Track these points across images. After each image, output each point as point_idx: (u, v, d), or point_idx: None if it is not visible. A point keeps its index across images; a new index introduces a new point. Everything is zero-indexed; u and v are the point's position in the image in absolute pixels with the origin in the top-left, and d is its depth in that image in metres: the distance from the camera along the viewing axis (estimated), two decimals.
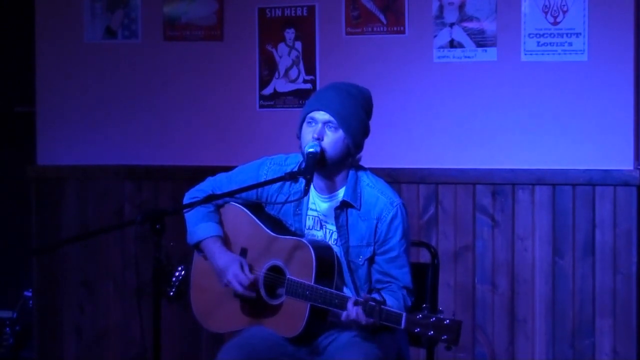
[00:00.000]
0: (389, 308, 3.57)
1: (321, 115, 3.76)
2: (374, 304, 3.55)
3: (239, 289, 3.83)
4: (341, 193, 3.84)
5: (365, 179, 3.86)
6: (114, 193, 5.68)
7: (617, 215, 5.06)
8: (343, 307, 3.64)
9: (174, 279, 5.41)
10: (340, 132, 3.76)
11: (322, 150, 3.74)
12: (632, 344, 5.05)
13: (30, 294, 5.95)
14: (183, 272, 5.40)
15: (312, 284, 3.71)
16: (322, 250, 3.80)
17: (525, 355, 5.17)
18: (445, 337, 3.45)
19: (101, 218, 5.68)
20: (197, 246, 4.00)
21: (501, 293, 5.20)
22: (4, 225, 6.41)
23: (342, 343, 3.75)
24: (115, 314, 5.70)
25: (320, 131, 3.75)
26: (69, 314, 5.76)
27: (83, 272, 5.73)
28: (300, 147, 3.82)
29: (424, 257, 4.33)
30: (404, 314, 3.52)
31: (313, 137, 3.74)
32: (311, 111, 3.79)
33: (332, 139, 3.76)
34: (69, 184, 5.75)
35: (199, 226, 3.96)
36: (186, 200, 4.00)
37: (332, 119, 3.75)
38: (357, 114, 3.80)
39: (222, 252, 3.92)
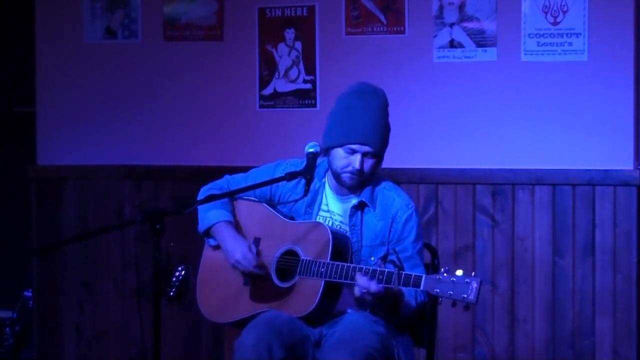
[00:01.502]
0: (408, 272, 3.65)
1: (363, 148, 3.88)
2: (393, 269, 3.63)
3: (248, 267, 3.89)
4: (359, 194, 3.94)
5: (383, 182, 3.99)
6: (114, 193, 5.68)
7: (617, 215, 5.06)
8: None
9: (174, 279, 5.43)
10: (376, 159, 3.91)
11: (363, 175, 3.89)
12: (632, 344, 5.05)
13: (30, 294, 5.95)
14: (183, 272, 5.42)
15: (328, 260, 3.77)
16: (338, 232, 3.89)
17: (525, 355, 5.16)
18: (465, 295, 3.50)
19: (101, 218, 5.68)
20: (208, 232, 4.04)
21: (501, 293, 5.20)
22: (4, 225, 6.41)
23: (333, 341, 3.77)
24: (115, 314, 5.70)
25: (360, 162, 3.87)
26: (69, 314, 5.76)
27: (83, 272, 5.73)
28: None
29: (424, 257, 4.33)
30: (424, 275, 3.60)
31: (355, 168, 3.87)
32: (354, 143, 3.87)
33: (369, 166, 3.91)
34: (69, 184, 5.75)
35: (211, 212, 4.03)
36: (201, 194, 4.08)
37: (371, 151, 3.88)
38: (387, 133, 3.95)
39: (232, 236, 3.99)
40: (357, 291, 3.70)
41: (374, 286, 3.64)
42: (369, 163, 3.89)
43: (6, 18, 6.39)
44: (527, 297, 5.16)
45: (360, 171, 3.87)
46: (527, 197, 5.16)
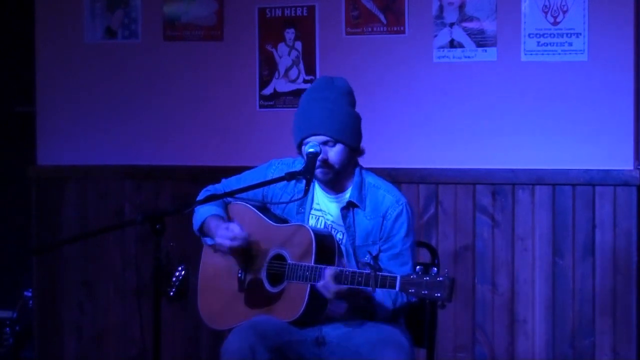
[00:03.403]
0: (383, 273, 3.63)
1: (319, 139, 3.83)
2: (369, 271, 3.61)
3: (225, 242, 3.88)
4: (347, 193, 3.92)
5: (371, 180, 3.95)
6: (114, 193, 5.68)
7: (617, 215, 5.06)
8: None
9: (174, 279, 5.42)
10: (340, 145, 3.84)
11: (332, 167, 3.83)
12: (632, 344, 5.05)
13: (30, 294, 5.95)
14: (183, 272, 5.41)
15: (312, 264, 3.75)
16: (322, 232, 3.86)
17: (525, 355, 5.17)
18: (438, 294, 3.50)
19: (101, 218, 5.68)
20: (202, 230, 4.04)
21: (501, 293, 5.20)
22: (4, 225, 6.41)
23: (373, 341, 3.75)
24: (115, 314, 5.70)
25: (323, 154, 3.82)
26: (69, 314, 5.77)
27: (83, 272, 5.74)
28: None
29: (424, 257, 4.33)
30: (399, 276, 3.57)
31: (319, 161, 3.81)
32: (306, 137, 3.85)
33: (335, 154, 3.84)
34: (69, 184, 5.75)
35: (203, 208, 4.02)
36: (200, 197, 4.08)
37: (328, 138, 3.83)
38: (346, 118, 3.87)
39: (217, 224, 3.97)
40: (319, 286, 3.70)
41: (331, 285, 3.65)
42: (333, 151, 3.83)
43: (6, 18, 6.39)
44: (527, 297, 5.16)
45: (325, 162, 3.83)
46: (527, 197, 5.16)
